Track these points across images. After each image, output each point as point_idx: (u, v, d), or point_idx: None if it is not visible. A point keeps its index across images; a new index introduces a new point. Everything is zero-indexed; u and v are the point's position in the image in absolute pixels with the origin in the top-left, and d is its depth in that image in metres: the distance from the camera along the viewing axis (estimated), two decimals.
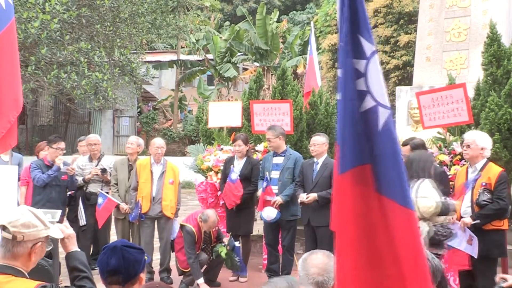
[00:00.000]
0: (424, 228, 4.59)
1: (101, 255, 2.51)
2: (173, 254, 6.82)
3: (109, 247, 2.51)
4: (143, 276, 2.54)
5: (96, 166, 7.02)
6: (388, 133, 2.38)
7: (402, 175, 2.39)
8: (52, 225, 2.62)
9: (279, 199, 6.26)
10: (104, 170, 6.94)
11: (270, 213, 6.29)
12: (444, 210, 4.67)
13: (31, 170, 6.52)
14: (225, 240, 6.45)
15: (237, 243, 6.46)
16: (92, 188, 7.00)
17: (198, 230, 6.25)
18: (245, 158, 6.82)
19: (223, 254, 6.30)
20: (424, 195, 4.61)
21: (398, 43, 15.54)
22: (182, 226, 6.32)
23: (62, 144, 6.67)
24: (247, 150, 6.88)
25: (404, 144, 5.60)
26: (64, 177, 6.66)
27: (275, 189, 6.39)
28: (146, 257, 2.61)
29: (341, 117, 2.43)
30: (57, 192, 6.59)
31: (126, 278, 2.45)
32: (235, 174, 6.63)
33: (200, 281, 6.15)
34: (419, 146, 5.50)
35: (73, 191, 7.04)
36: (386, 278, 2.28)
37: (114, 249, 2.48)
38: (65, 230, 2.70)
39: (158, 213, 6.64)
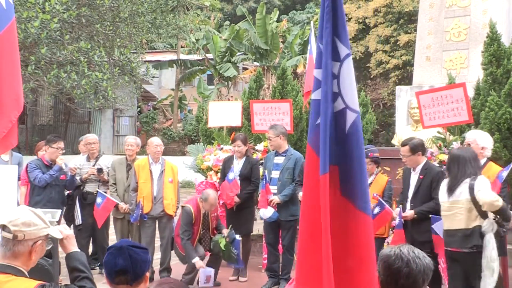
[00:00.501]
0: (487, 225, 4.54)
1: (107, 256, 2.51)
2: (173, 253, 6.83)
3: (115, 248, 2.51)
4: (148, 274, 2.55)
5: (94, 165, 6.99)
6: (354, 136, 2.44)
7: (363, 179, 2.45)
8: (51, 224, 2.63)
9: (276, 199, 6.25)
10: (100, 170, 6.89)
11: (266, 212, 6.29)
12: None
13: (30, 171, 6.46)
14: (225, 231, 6.45)
15: (237, 236, 6.45)
16: (89, 187, 6.98)
17: (197, 210, 6.31)
18: (244, 158, 6.82)
19: (222, 246, 6.30)
20: (485, 189, 4.51)
21: (398, 43, 15.54)
22: (182, 207, 6.43)
23: (61, 144, 6.65)
24: (246, 150, 6.89)
25: (403, 145, 5.58)
26: (63, 177, 6.64)
27: (274, 189, 6.36)
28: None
29: (323, 119, 2.45)
30: (57, 192, 6.59)
31: (133, 278, 2.45)
32: (232, 174, 6.64)
33: (195, 259, 6.17)
34: (418, 146, 5.48)
35: (70, 191, 7.04)
36: (344, 272, 2.39)
37: (120, 249, 2.48)
38: (64, 231, 2.70)
39: (160, 212, 6.66)
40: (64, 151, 6.81)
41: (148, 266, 2.54)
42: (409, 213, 5.37)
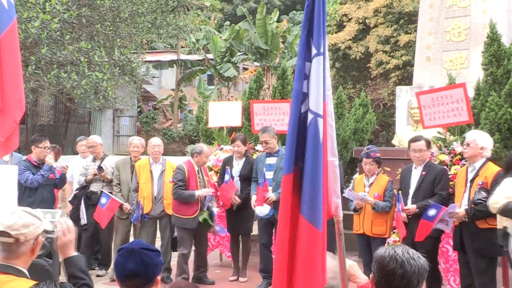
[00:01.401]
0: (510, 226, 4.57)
1: (118, 257, 2.43)
2: (174, 254, 6.85)
3: (127, 250, 2.42)
4: (160, 278, 2.49)
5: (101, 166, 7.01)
6: (309, 138, 2.39)
7: (315, 186, 2.36)
8: (43, 218, 2.63)
9: (272, 196, 6.24)
10: (100, 168, 6.89)
11: (263, 209, 6.29)
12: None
13: (20, 173, 6.15)
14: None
15: (215, 210, 6.64)
16: (94, 187, 7.00)
17: (190, 167, 6.43)
18: (244, 158, 6.83)
19: (200, 219, 6.41)
20: (497, 192, 4.56)
21: (398, 43, 15.52)
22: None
23: (47, 143, 6.61)
24: (246, 150, 6.89)
25: (416, 140, 5.69)
26: (52, 176, 6.59)
27: (269, 189, 6.37)
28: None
29: (291, 119, 2.45)
30: (48, 191, 6.57)
31: (145, 282, 2.38)
32: (227, 176, 6.64)
33: (198, 192, 6.33)
34: (430, 142, 5.69)
35: (77, 191, 7.05)
36: (295, 281, 2.37)
37: (132, 251, 2.39)
38: (62, 237, 2.67)
39: (160, 212, 6.67)
40: (50, 150, 6.82)
41: (160, 269, 2.46)
42: (411, 207, 5.40)
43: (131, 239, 6.91)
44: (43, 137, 6.70)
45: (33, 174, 6.40)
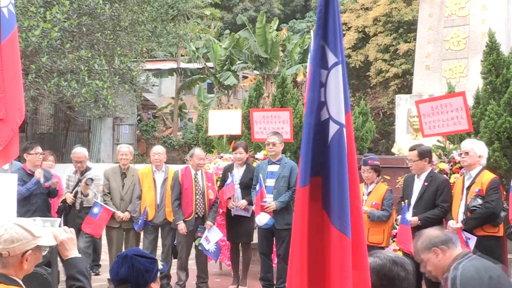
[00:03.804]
0: None
1: (113, 264, 2.51)
2: (174, 262, 6.84)
3: (121, 256, 2.50)
4: (155, 285, 2.51)
5: (80, 178, 6.68)
6: (334, 148, 2.30)
7: (343, 197, 2.30)
8: (45, 231, 2.55)
9: (273, 205, 6.22)
10: (90, 180, 6.60)
11: (262, 218, 6.24)
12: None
13: None
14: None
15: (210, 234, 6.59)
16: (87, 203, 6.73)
17: (185, 170, 6.55)
18: (244, 166, 6.83)
19: (197, 243, 6.54)
20: None
21: (397, 52, 15.58)
22: None
23: (39, 149, 6.57)
24: (247, 158, 6.91)
25: (412, 149, 5.65)
26: (47, 185, 6.57)
27: (270, 197, 6.34)
28: (161, 266, 2.59)
29: (306, 128, 2.36)
30: (42, 200, 6.51)
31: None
32: (230, 179, 6.66)
33: (178, 222, 6.42)
34: (426, 152, 5.56)
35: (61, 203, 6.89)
36: None
37: (125, 257, 2.47)
38: (58, 235, 2.61)
39: (163, 220, 6.68)
40: (43, 155, 6.80)
41: (153, 276, 2.49)
42: (413, 219, 5.37)
43: (123, 248, 6.86)
44: (34, 144, 6.66)
45: (26, 183, 6.31)
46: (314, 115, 2.36)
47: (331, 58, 2.37)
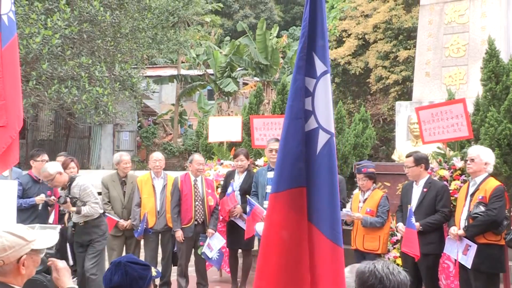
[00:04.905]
0: None
1: (106, 271, 2.51)
2: (174, 268, 6.82)
3: (114, 263, 2.50)
4: None
5: (67, 193, 6.11)
6: (324, 158, 2.29)
7: (334, 205, 2.29)
8: (39, 234, 2.55)
9: None
10: (62, 199, 5.83)
11: (260, 228, 6.23)
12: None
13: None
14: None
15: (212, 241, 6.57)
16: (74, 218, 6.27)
17: (185, 179, 6.52)
18: (245, 173, 6.84)
19: (199, 252, 6.53)
20: None
21: (397, 59, 15.59)
22: None
23: (45, 156, 6.57)
24: (248, 165, 6.92)
25: (408, 156, 5.65)
26: (49, 193, 6.56)
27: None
28: (155, 272, 2.59)
29: (283, 135, 2.32)
30: (43, 206, 6.53)
31: None
32: (230, 188, 6.65)
33: (176, 229, 6.41)
34: (422, 159, 5.56)
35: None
36: None
37: (118, 265, 2.47)
38: (58, 264, 2.63)
39: (163, 226, 6.67)
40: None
41: (147, 283, 2.50)
42: (415, 225, 5.36)
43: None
44: (40, 151, 6.70)
45: (33, 189, 6.36)
46: (294, 123, 2.30)
47: (320, 67, 2.34)
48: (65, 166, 6.64)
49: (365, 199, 5.83)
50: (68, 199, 5.78)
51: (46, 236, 2.60)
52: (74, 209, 5.81)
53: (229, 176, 6.97)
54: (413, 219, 5.28)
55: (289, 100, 2.36)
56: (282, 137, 2.35)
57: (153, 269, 2.58)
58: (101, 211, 6.01)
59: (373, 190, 5.90)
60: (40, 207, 6.47)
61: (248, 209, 6.35)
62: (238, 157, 6.83)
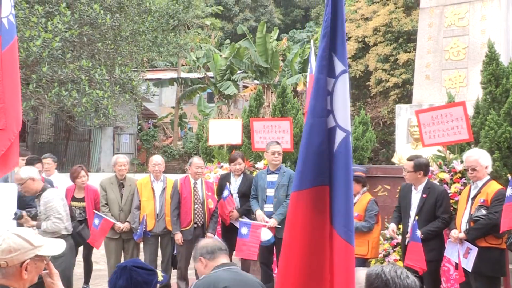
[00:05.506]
0: None
1: (112, 275, 2.52)
2: (174, 272, 6.81)
3: (120, 267, 2.51)
4: None
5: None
6: (341, 156, 2.31)
7: (348, 204, 2.31)
8: (46, 241, 2.54)
9: (274, 221, 6.22)
10: (17, 215, 5.20)
11: (264, 234, 6.22)
12: None
13: None
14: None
15: None
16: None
17: (184, 181, 6.53)
18: (242, 175, 6.84)
19: None
20: None
21: (397, 61, 15.62)
22: None
23: (39, 165, 6.55)
24: (244, 167, 6.94)
25: (409, 160, 5.61)
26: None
27: (270, 206, 6.36)
28: (161, 277, 2.57)
29: (306, 133, 2.36)
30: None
31: None
32: (226, 191, 6.64)
33: (175, 232, 6.41)
34: (422, 165, 5.49)
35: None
36: None
37: (123, 269, 2.47)
38: (53, 268, 2.60)
39: (163, 229, 6.66)
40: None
41: None
42: (418, 233, 5.33)
43: (122, 259, 6.83)
44: (35, 160, 6.65)
45: (27, 199, 6.30)
46: (317, 122, 2.34)
47: (339, 66, 2.37)
48: (76, 175, 6.72)
49: (354, 204, 5.78)
50: (25, 213, 5.26)
51: (53, 244, 2.57)
52: (34, 223, 5.30)
53: (224, 179, 6.95)
54: (418, 232, 5.22)
55: (311, 99, 2.39)
56: (304, 135, 2.39)
57: (159, 274, 2.56)
58: (66, 232, 5.33)
59: (363, 194, 5.88)
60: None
61: (246, 230, 6.32)
62: (236, 160, 6.83)
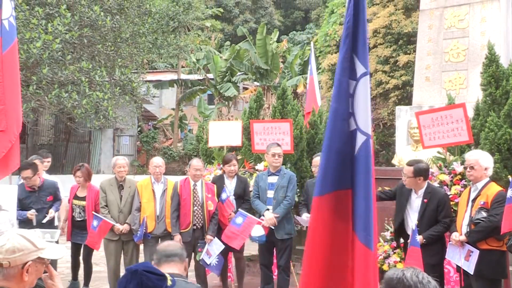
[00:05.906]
0: None
1: (122, 277, 2.47)
2: None
3: (130, 270, 2.45)
4: None
5: None
6: (361, 159, 2.28)
7: (369, 208, 2.26)
8: (49, 245, 2.55)
9: (273, 222, 6.24)
10: None
11: (255, 231, 6.28)
12: None
13: None
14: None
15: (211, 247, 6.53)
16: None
17: (184, 183, 6.54)
18: (235, 177, 6.85)
19: (198, 258, 6.53)
20: None
21: (397, 63, 15.62)
22: None
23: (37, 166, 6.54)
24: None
25: (409, 165, 5.58)
26: (50, 198, 6.59)
27: (270, 208, 6.38)
28: (170, 281, 2.53)
29: (328, 136, 2.33)
30: (43, 213, 6.54)
31: None
32: (225, 194, 6.64)
33: (175, 234, 6.39)
34: (422, 171, 5.47)
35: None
36: None
37: (134, 273, 2.42)
38: (53, 270, 2.61)
39: (163, 231, 6.66)
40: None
41: None
42: (418, 237, 5.32)
43: (122, 260, 6.83)
44: (32, 166, 6.64)
45: (28, 199, 6.35)
46: (340, 125, 2.30)
47: (360, 69, 2.33)
48: (73, 172, 6.97)
49: None
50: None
51: (55, 248, 2.58)
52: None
53: (218, 181, 6.94)
54: (418, 237, 5.21)
55: (333, 102, 2.36)
56: (326, 138, 2.35)
57: (168, 278, 2.53)
58: None
59: None
60: (40, 216, 6.45)
61: (241, 220, 6.33)
62: (230, 162, 6.84)
